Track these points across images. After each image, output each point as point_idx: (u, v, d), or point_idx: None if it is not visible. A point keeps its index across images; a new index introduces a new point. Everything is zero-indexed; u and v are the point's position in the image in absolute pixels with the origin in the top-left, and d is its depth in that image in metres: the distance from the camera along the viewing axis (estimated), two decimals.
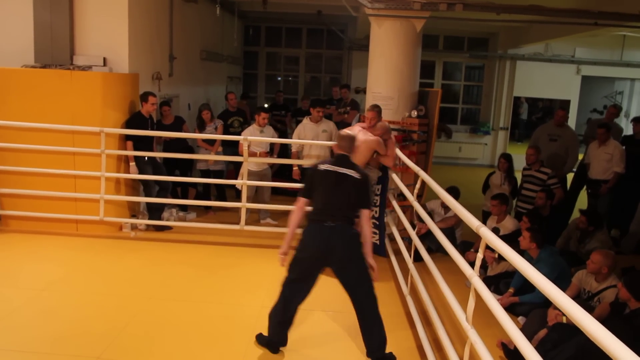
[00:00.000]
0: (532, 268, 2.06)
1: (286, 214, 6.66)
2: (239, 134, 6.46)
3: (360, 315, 3.36)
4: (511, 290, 4.28)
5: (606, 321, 3.22)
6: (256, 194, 6.40)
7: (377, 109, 5.05)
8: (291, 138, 8.49)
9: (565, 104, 11.54)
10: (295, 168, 6.09)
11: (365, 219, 3.35)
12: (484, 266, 4.91)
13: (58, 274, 4.58)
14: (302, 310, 4.10)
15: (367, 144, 4.88)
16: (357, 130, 4.98)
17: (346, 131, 3.67)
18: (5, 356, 3.23)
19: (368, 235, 3.36)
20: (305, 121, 6.15)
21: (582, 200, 6.92)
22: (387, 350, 3.38)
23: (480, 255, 2.60)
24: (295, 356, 3.47)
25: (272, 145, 6.39)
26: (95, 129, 5.39)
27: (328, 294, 4.49)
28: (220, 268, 4.94)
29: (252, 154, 6.00)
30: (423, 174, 4.09)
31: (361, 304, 3.34)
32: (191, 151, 6.80)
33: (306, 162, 5.97)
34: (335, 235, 3.23)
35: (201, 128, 6.61)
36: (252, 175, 6.13)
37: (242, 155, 5.70)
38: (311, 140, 5.97)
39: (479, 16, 6.87)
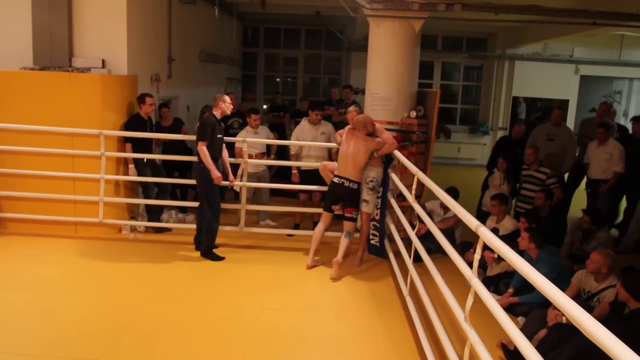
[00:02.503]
0: (531, 268, 2.06)
1: (285, 215, 6.70)
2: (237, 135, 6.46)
3: (198, 215, 5.20)
4: (511, 290, 4.28)
5: (606, 321, 3.22)
6: (254, 196, 6.40)
7: (357, 107, 5.51)
8: (290, 139, 8.52)
9: (564, 104, 11.56)
10: (294, 171, 6.08)
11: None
12: (483, 266, 4.91)
13: (57, 276, 4.57)
14: (300, 312, 4.12)
15: (366, 146, 4.99)
16: (351, 140, 5.08)
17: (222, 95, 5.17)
18: (6, 359, 3.22)
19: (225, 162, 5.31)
20: (304, 123, 6.14)
21: (577, 200, 6.93)
22: (385, 350, 3.38)
23: (477, 256, 2.60)
24: (295, 357, 3.46)
25: (268, 146, 6.38)
26: (95, 132, 5.40)
27: (327, 297, 4.49)
28: (219, 269, 4.94)
29: (248, 156, 6.00)
30: (421, 175, 4.08)
31: (201, 209, 5.12)
32: (190, 153, 6.78)
33: (304, 164, 5.96)
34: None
35: None
36: (249, 176, 6.12)
37: (239, 157, 5.71)
38: (310, 142, 5.96)
39: (477, 16, 6.87)
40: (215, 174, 4.96)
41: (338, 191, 5.07)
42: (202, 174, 5.02)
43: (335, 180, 5.08)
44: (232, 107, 5.26)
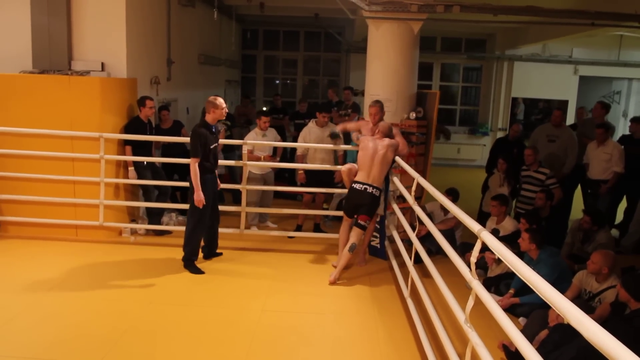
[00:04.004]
0: (530, 271, 2.06)
1: (287, 217, 6.70)
2: (226, 138, 6.47)
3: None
4: (512, 291, 4.28)
5: (607, 322, 3.22)
6: (261, 199, 6.39)
7: (379, 104, 5.24)
8: (291, 141, 8.53)
9: (563, 104, 11.57)
10: (300, 172, 6.08)
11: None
12: (484, 267, 4.91)
13: (58, 279, 4.57)
14: (301, 314, 4.12)
15: (389, 145, 4.91)
16: (371, 142, 4.97)
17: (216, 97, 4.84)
18: None
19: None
20: (311, 124, 6.12)
21: (578, 200, 6.92)
22: (386, 351, 3.38)
23: (473, 259, 2.60)
24: (296, 359, 3.47)
25: (275, 148, 6.39)
26: (95, 135, 5.40)
27: (327, 298, 4.49)
28: (220, 272, 4.93)
29: (256, 159, 6.01)
30: (420, 179, 4.08)
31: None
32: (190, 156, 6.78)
33: (311, 167, 5.96)
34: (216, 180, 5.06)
35: None
36: (257, 179, 6.12)
37: (248, 160, 5.72)
38: (316, 144, 5.96)
39: (476, 17, 6.88)
40: (199, 196, 4.63)
41: (359, 198, 4.81)
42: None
43: (357, 186, 4.83)
44: (226, 110, 4.87)
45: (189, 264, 4.93)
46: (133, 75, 6.03)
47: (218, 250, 5.32)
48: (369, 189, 4.79)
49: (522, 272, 2.10)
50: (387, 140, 4.94)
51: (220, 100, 4.77)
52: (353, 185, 4.90)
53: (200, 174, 4.69)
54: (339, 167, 5.78)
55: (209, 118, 4.77)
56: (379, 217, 5.33)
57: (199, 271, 4.89)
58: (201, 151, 4.67)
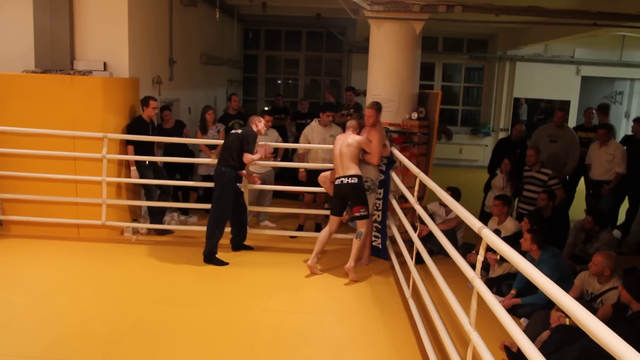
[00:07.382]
0: (534, 269, 2.05)
1: (286, 216, 6.70)
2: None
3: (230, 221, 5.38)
4: (513, 291, 4.28)
5: (609, 323, 3.21)
6: (258, 197, 6.40)
7: (375, 107, 5.14)
8: (293, 141, 8.53)
9: (565, 105, 11.56)
10: (301, 170, 6.08)
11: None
12: (486, 268, 4.91)
13: (60, 278, 4.58)
14: (303, 314, 4.12)
15: (353, 139, 4.99)
16: (339, 141, 5.07)
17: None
18: None
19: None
20: (314, 124, 6.11)
21: (579, 200, 6.91)
22: (387, 352, 3.37)
23: (480, 258, 2.60)
24: (296, 358, 3.46)
25: (275, 148, 6.39)
26: (99, 135, 5.41)
27: (329, 299, 4.49)
28: (222, 272, 4.94)
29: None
30: (422, 176, 4.08)
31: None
32: (192, 155, 6.80)
33: (311, 166, 5.95)
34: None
35: (203, 131, 6.60)
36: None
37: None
38: (318, 144, 5.94)
39: (478, 18, 6.87)
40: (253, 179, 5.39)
41: (341, 192, 4.92)
42: (224, 180, 5.06)
43: (336, 182, 4.96)
44: (268, 125, 5.40)
45: (211, 257, 5.11)
46: (135, 75, 6.04)
47: (248, 244, 5.58)
48: (345, 180, 4.88)
49: (524, 269, 2.09)
50: (349, 136, 5.03)
51: (262, 117, 5.37)
52: (334, 183, 5.02)
53: (236, 169, 5.14)
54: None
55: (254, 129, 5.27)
56: (374, 216, 5.33)
57: (222, 262, 5.09)
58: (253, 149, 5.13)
